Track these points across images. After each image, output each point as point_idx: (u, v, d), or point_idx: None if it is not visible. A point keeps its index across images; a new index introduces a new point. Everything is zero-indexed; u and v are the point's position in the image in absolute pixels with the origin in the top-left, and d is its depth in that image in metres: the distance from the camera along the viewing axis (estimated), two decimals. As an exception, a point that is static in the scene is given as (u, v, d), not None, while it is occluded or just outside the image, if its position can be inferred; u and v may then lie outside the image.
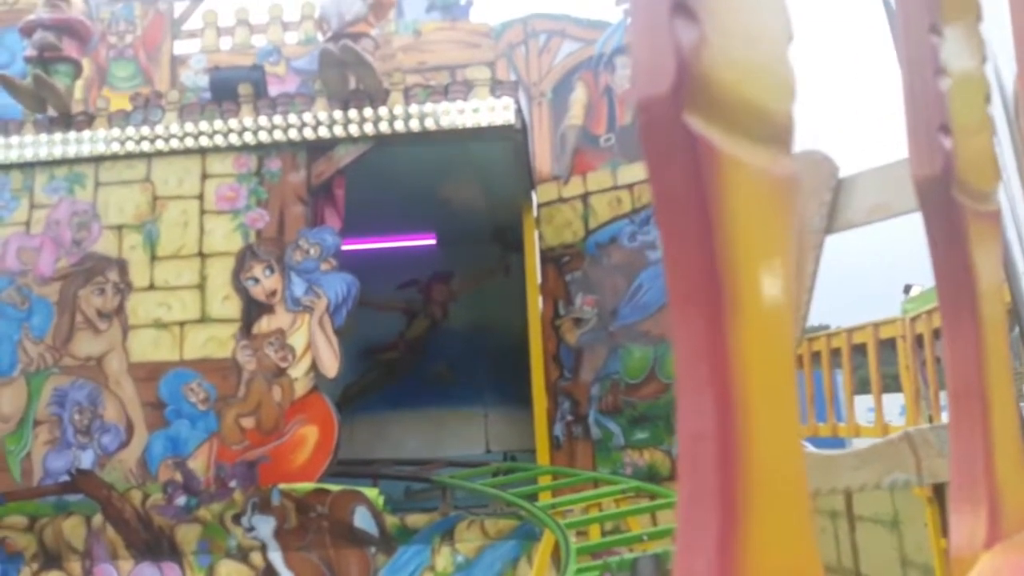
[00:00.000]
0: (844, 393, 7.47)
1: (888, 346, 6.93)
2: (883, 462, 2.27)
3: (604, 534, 6.63)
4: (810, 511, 0.59)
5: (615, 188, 8.01)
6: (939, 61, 0.81)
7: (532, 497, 6.46)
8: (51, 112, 7.10)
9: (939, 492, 5.13)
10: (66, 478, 6.47)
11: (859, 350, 7.29)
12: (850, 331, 6.79)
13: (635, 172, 7.92)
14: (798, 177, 0.61)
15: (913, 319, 5.89)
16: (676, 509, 0.56)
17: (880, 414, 6.35)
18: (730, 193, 0.55)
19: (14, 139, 7.04)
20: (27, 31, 7.20)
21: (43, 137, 7.02)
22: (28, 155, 7.01)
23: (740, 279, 0.54)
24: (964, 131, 0.81)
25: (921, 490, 5.53)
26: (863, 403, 8.72)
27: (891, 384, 8.52)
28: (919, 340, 6.02)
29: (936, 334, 5.45)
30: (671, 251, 0.55)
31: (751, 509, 0.53)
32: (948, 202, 0.81)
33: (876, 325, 6.41)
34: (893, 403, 8.75)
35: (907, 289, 9.99)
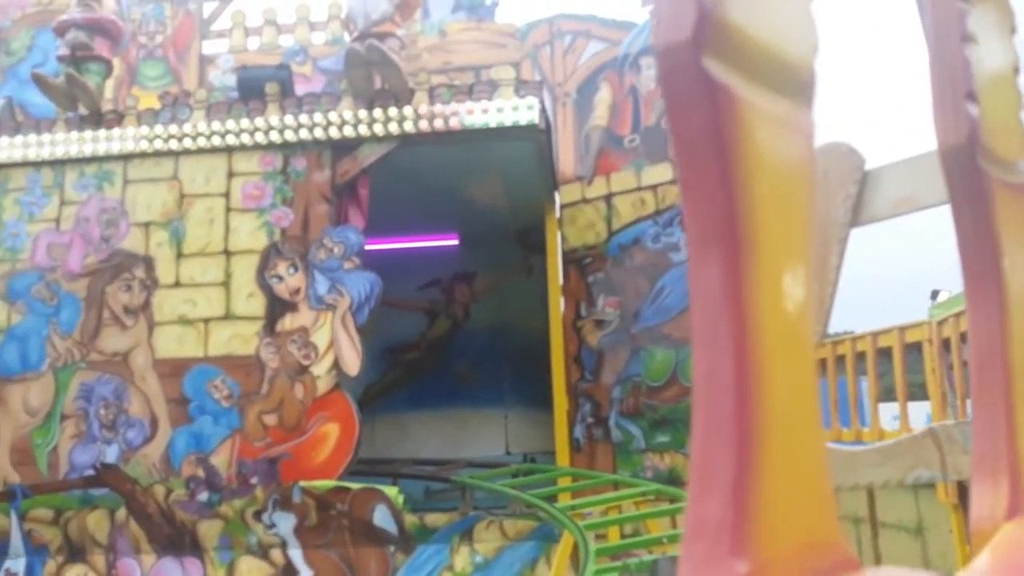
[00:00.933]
0: (869, 398, 7.37)
1: (914, 351, 6.84)
2: (907, 458, 2.23)
3: (623, 537, 6.60)
4: (825, 457, 0.58)
5: (639, 189, 7.98)
6: (966, 28, 0.80)
7: (552, 499, 6.44)
8: (82, 110, 7.21)
9: (964, 498, 5.05)
10: (91, 472, 6.55)
11: (884, 355, 7.20)
12: (875, 335, 6.69)
13: (659, 173, 7.89)
14: (815, 132, 0.60)
15: (940, 323, 5.80)
16: (690, 455, 0.56)
17: (905, 419, 6.26)
18: (749, 140, 0.55)
19: (46, 137, 7.16)
20: (60, 31, 7.32)
21: (74, 135, 7.14)
22: (59, 153, 7.12)
23: (758, 223, 0.54)
24: (990, 99, 0.80)
25: (946, 496, 5.44)
26: (888, 411, 8.61)
27: (917, 392, 8.40)
28: (946, 344, 5.93)
29: (964, 338, 5.37)
30: (690, 196, 0.55)
31: (766, 452, 0.52)
32: (973, 170, 0.80)
33: (902, 329, 6.32)
34: (919, 412, 8.62)
35: (935, 295, 9.85)
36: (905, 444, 2.23)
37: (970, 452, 2.37)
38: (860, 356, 7.46)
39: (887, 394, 8.56)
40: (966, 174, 0.81)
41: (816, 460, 0.57)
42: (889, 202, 2.20)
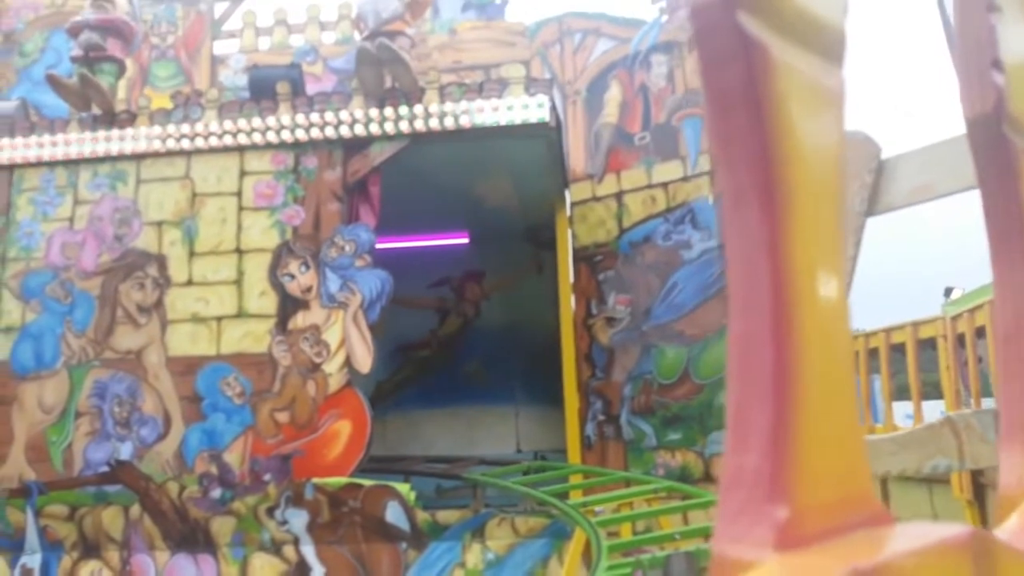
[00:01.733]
0: (882, 396, 7.33)
1: (927, 349, 6.80)
2: (924, 447, 2.23)
3: (635, 534, 6.59)
4: (856, 414, 0.59)
5: (649, 187, 7.98)
6: (991, -4, 0.80)
7: (563, 496, 6.44)
8: (95, 111, 7.26)
9: (979, 494, 5.02)
10: (106, 469, 6.59)
11: (897, 352, 7.16)
12: (888, 331, 6.66)
13: (670, 171, 7.88)
14: (846, 93, 0.61)
15: (954, 318, 5.77)
16: (727, 413, 0.56)
17: (919, 417, 6.23)
18: (783, 97, 0.55)
19: (59, 137, 7.21)
20: (74, 32, 7.38)
21: (87, 135, 7.19)
22: (73, 153, 7.17)
23: (793, 179, 0.54)
24: (1016, 68, 0.81)
25: (960, 492, 5.41)
26: (900, 410, 8.57)
27: (930, 392, 8.36)
28: (960, 340, 5.91)
29: (979, 333, 5.34)
30: (724, 154, 0.56)
31: (803, 403, 0.53)
32: (999, 139, 0.80)
33: (916, 324, 6.29)
34: (932, 410, 8.58)
35: (948, 292, 9.81)
36: (922, 433, 2.23)
37: (989, 441, 2.37)
38: (872, 353, 7.43)
39: (899, 393, 8.52)
40: (992, 144, 0.81)
41: (849, 413, 0.58)
42: (905, 191, 2.20)
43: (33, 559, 6.54)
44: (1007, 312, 0.81)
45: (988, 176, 0.83)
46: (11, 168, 7.27)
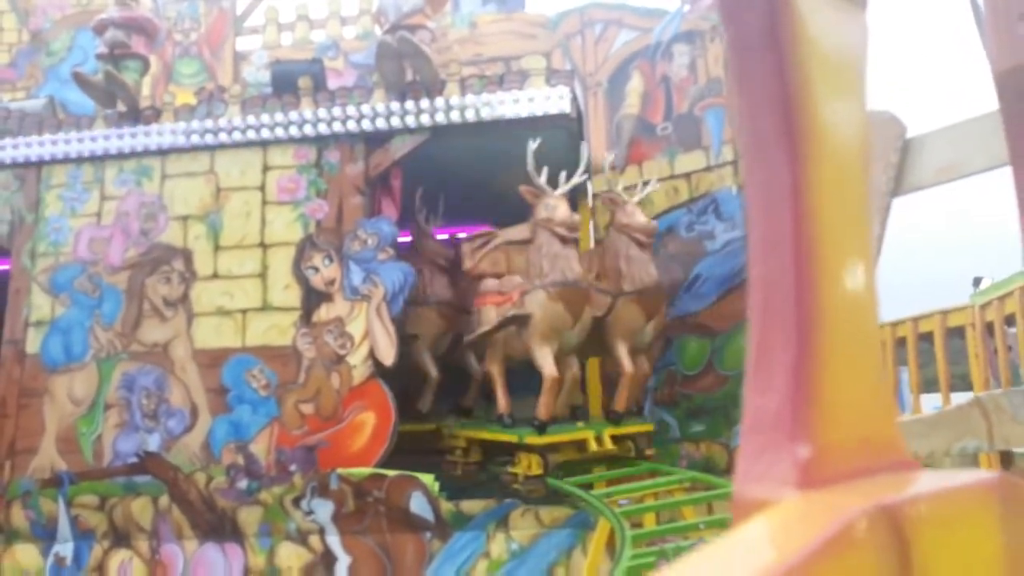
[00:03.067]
0: (910, 387, 7.24)
1: (955, 337, 6.71)
2: (953, 428, 2.20)
3: (660, 524, 6.56)
4: (881, 358, 0.58)
5: (672, 177, 7.93)
6: (1018, -52, 0.79)
7: (587, 487, 6.43)
8: (120, 107, 7.35)
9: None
10: (135, 460, 6.68)
11: (924, 342, 7.06)
12: (916, 319, 6.58)
13: (693, 161, 7.83)
14: (868, 36, 0.60)
15: (983, 307, 5.69)
16: (747, 357, 0.56)
17: (948, 404, 6.15)
18: (805, 40, 0.55)
19: (86, 134, 7.31)
20: (99, 29, 7.47)
21: (113, 131, 7.28)
22: (99, 149, 7.27)
23: (815, 121, 0.54)
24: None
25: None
26: (928, 402, 8.46)
27: (958, 384, 8.24)
28: (989, 329, 5.82)
29: (1008, 321, 5.26)
30: (746, 98, 0.55)
31: (826, 341, 0.52)
32: (1028, 92, 0.79)
33: (944, 313, 6.21)
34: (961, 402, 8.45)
35: (977, 282, 9.66)
36: (951, 414, 2.20)
37: (1020, 421, 2.33)
38: (899, 344, 7.33)
39: (927, 386, 8.42)
40: (1022, 96, 0.80)
41: (873, 355, 0.57)
42: (931, 170, 2.17)
43: (65, 548, 6.66)
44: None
45: (1018, 130, 0.81)
46: (39, 165, 7.39)
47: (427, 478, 6.40)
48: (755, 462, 0.52)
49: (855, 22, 0.60)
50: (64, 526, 6.68)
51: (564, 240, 6.21)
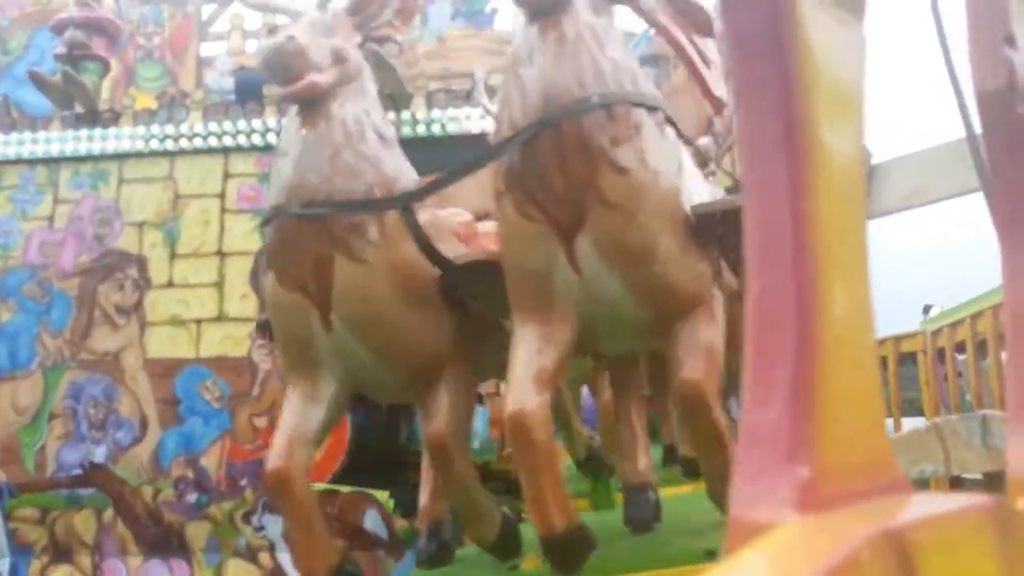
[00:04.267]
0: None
1: (907, 363, 6.84)
2: (910, 453, 2.22)
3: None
4: (878, 378, 0.57)
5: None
6: (1004, -28, 0.79)
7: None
8: (78, 109, 7.19)
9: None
10: (79, 471, 6.48)
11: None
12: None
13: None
14: (866, 47, 0.59)
15: (935, 333, 5.82)
16: (743, 371, 0.54)
17: (899, 429, 6.26)
18: (806, 45, 0.54)
19: (41, 135, 7.13)
20: (58, 29, 7.31)
21: (69, 133, 7.11)
22: (54, 151, 7.09)
23: (817, 132, 0.53)
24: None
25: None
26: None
27: (907, 408, 8.41)
28: (940, 356, 5.95)
29: (959, 348, 5.37)
30: (746, 108, 0.54)
31: (825, 358, 0.51)
32: (1011, 117, 0.79)
33: (897, 339, 6.34)
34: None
35: (926, 310, 9.88)
36: (908, 439, 2.23)
37: (974, 447, 2.37)
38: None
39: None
40: (1003, 120, 0.80)
41: (870, 372, 0.56)
42: (898, 195, 2.20)
43: (2, 563, 6.41)
44: (1016, 296, 0.80)
45: (998, 155, 0.82)
46: (-10, 165, 7.18)
47: (381, 495, 6.31)
48: (752, 483, 0.50)
49: (855, 33, 0.60)
50: (1, 540, 6.44)
51: None
